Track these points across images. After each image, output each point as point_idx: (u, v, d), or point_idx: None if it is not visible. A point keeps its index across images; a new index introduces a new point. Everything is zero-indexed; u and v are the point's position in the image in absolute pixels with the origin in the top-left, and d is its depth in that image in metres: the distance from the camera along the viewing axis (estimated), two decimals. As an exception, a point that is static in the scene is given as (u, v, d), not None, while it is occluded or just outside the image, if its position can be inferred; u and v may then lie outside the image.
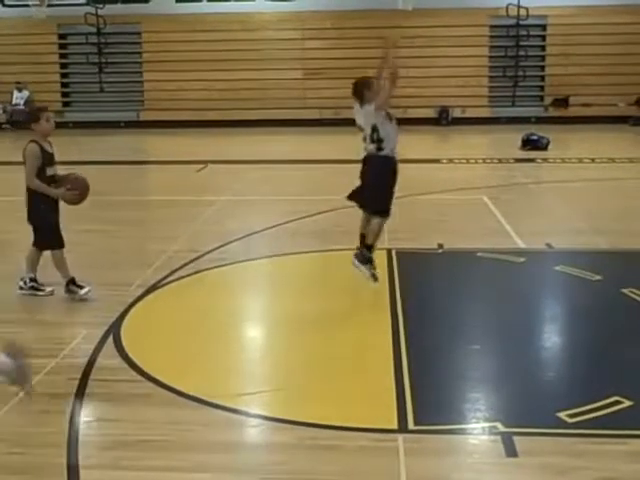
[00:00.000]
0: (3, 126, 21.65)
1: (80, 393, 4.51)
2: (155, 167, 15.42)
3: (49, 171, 6.15)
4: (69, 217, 8.61)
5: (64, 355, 5.09)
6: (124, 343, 5.27)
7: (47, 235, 6.22)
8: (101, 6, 21.39)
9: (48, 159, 6.15)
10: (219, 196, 10.87)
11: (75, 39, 22.68)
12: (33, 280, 6.30)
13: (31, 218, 6.23)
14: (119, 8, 21.78)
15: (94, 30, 21.74)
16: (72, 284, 6.21)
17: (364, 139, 6.23)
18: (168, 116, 21.38)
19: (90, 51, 22.04)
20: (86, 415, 4.28)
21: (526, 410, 4.27)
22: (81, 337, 5.39)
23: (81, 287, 6.20)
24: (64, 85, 22.92)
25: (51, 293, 6.28)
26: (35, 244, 6.29)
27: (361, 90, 6.21)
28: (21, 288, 6.29)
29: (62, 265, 6.24)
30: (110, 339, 5.35)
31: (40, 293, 6.28)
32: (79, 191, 6.24)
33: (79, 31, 21.98)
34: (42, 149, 6.10)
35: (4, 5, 22.40)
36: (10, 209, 10.44)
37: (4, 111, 21.97)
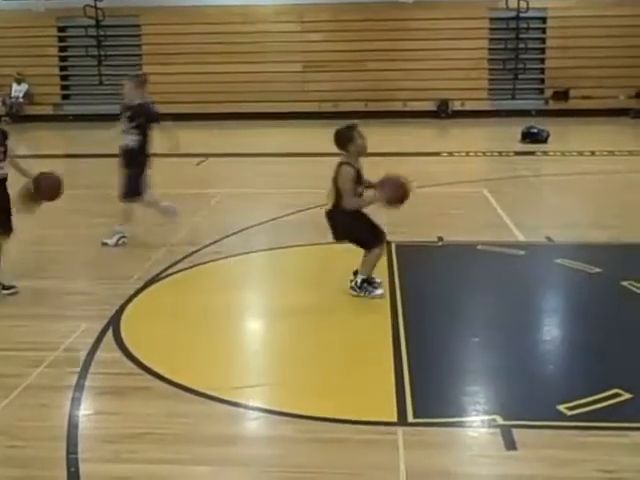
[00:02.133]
0: (2, 119, 21.61)
1: (79, 386, 4.51)
2: (155, 160, 15.37)
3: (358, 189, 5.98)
4: (71, 212, 8.62)
5: (64, 348, 5.09)
6: (123, 336, 5.27)
7: (369, 237, 6.04)
8: (100, -2, 21.36)
9: (359, 178, 5.96)
10: (219, 189, 10.87)
11: (74, 32, 22.62)
12: (365, 280, 6.07)
13: (345, 235, 6.10)
14: (118, 1, 21.70)
15: (93, 23, 21.68)
16: (367, 283, 6.06)
17: None
18: (168, 109, 21.18)
19: (89, 44, 21.97)
20: (86, 408, 4.28)
21: (525, 403, 4.27)
22: (80, 330, 5.39)
23: (375, 287, 6.06)
24: (63, 78, 22.88)
25: (381, 296, 6.03)
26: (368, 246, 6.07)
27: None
28: (352, 289, 6.08)
29: (371, 263, 6.09)
30: (109, 332, 5.35)
31: (373, 293, 6.04)
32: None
33: (78, 24, 21.92)
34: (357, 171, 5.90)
35: (3, -2, 22.37)
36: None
37: (3, 104, 21.94)
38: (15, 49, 21.55)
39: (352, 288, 6.07)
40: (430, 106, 21.03)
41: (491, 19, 21.44)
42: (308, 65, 21.61)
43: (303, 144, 16.21)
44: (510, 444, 3.77)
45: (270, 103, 21.02)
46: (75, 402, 4.32)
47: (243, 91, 21.20)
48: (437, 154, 14.36)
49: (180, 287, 6.50)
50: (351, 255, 6.36)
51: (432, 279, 6.67)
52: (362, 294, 6.01)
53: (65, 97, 22.74)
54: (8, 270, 6.26)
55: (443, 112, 21.02)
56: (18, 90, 21.88)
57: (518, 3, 20.55)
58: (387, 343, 5.08)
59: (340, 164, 5.90)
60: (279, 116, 20.52)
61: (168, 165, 14.44)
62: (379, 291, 6.03)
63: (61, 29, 22.72)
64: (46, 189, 6.18)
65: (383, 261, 6.89)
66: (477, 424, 4.04)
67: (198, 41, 21.30)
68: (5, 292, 6.18)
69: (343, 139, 5.92)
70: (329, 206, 6.08)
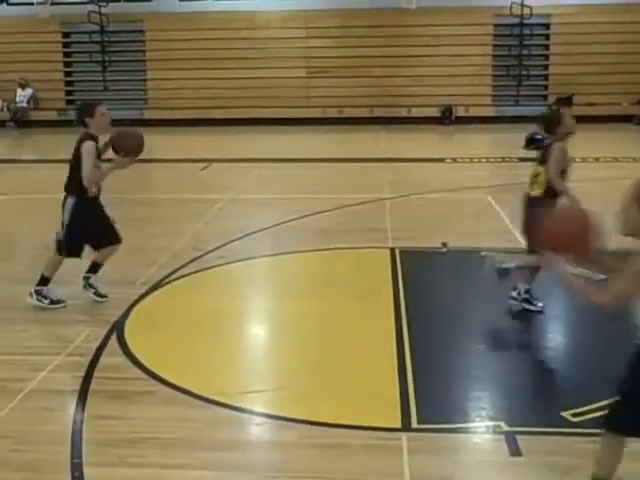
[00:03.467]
0: (7, 124, 21.67)
1: (84, 391, 4.52)
2: (159, 165, 15.41)
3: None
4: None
5: (68, 353, 5.10)
6: (128, 341, 5.28)
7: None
8: (104, 4, 21.39)
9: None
10: (223, 194, 10.88)
11: (78, 37, 22.67)
12: (527, 292, 5.91)
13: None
14: (122, 6, 21.77)
15: (97, 28, 21.74)
16: (529, 294, 5.88)
17: None
18: (172, 114, 21.38)
19: (93, 49, 22.04)
20: (90, 413, 4.28)
21: (530, 409, 4.27)
22: (85, 335, 5.40)
23: (537, 300, 5.89)
24: (68, 83, 22.93)
25: (541, 310, 5.89)
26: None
27: None
28: (514, 299, 5.91)
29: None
30: (114, 337, 5.36)
31: (532, 307, 5.87)
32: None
33: (82, 29, 21.96)
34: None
35: (8, 4, 22.42)
36: (14, 207, 10.45)
37: (8, 109, 22.00)
38: (20, 54, 21.62)
39: (512, 297, 5.88)
40: (434, 112, 21.03)
41: (495, 25, 21.45)
42: (313, 71, 21.64)
43: (307, 150, 16.21)
44: (515, 450, 3.77)
45: (274, 109, 21.05)
46: (79, 406, 4.32)
47: (247, 97, 21.22)
48: (441, 160, 14.34)
49: (184, 292, 6.51)
50: (354, 260, 6.38)
51: (436, 285, 6.67)
52: (523, 304, 5.82)
53: (69, 102, 22.77)
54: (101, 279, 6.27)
55: (447, 118, 21.01)
56: (22, 95, 21.93)
57: (522, 9, 20.56)
58: (391, 349, 5.07)
59: (553, 144, 5.61)
60: (283, 122, 20.54)
61: (172, 170, 14.52)
62: (540, 304, 5.86)
63: (65, 35, 22.77)
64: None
65: (387, 267, 6.90)
66: (481, 430, 4.04)
67: (202, 47, 21.33)
68: (99, 299, 6.15)
69: (552, 121, 5.74)
70: (538, 192, 5.68)
